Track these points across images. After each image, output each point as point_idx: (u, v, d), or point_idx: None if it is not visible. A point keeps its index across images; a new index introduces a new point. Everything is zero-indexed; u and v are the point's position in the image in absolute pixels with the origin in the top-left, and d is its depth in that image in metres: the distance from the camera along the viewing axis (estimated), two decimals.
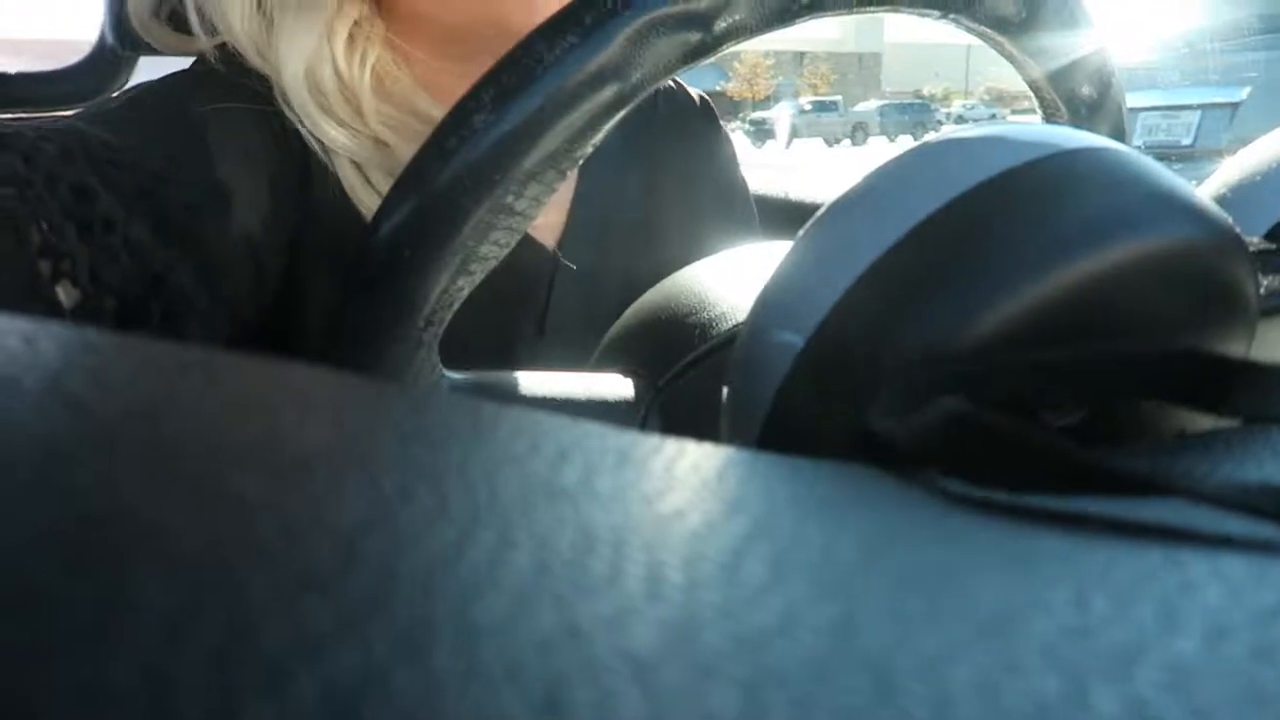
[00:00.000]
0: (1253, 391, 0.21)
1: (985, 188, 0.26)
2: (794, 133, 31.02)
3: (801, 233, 0.29)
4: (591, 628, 0.08)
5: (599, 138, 0.40)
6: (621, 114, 0.40)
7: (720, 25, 0.39)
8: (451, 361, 0.54)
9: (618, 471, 0.13)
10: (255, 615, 0.07)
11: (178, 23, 0.64)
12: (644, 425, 0.45)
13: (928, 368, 0.24)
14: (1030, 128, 0.28)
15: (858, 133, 31.95)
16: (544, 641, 0.08)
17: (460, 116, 0.38)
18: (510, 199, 0.39)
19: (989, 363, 0.23)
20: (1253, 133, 0.40)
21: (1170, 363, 0.23)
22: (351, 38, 0.60)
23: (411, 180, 0.39)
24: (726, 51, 0.41)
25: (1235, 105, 4.38)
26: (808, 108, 33.79)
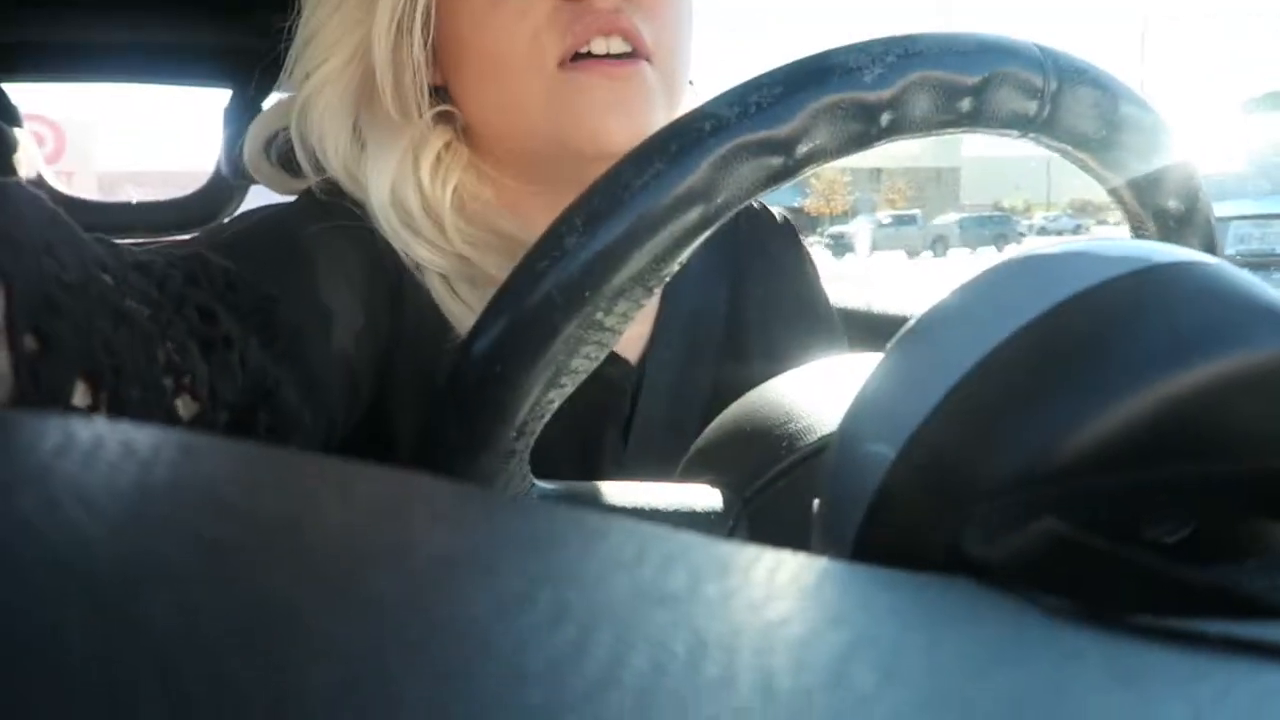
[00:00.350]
0: None
1: (1076, 302, 0.26)
2: (873, 245, 31.19)
3: (892, 344, 0.29)
4: None
5: (685, 256, 0.42)
6: (706, 234, 0.41)
7: (801, 150, 0.41)
8: (537, 470, 0.55)
9: (722, 579, 0.14)
10: (402, 702, 0.08)
11: (284, 162, 0.69)
12: (732, 536, 0.45)
13: (1022, 488, 0.24)
14: (1120, 242, 0.28)
15: (938, 244, 31.92)
16: None
17: (552, 239, 0.40)
18: (600, 315, 0.40)
19: (1084, 484, 0.23)
20: None
21: (1270, 479, 0.22)
22: (437, 160, 0.64)
23: (505, 299, 0.41)
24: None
25: None
26: (886, 221, 34.02)
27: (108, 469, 0.12)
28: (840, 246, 30.39)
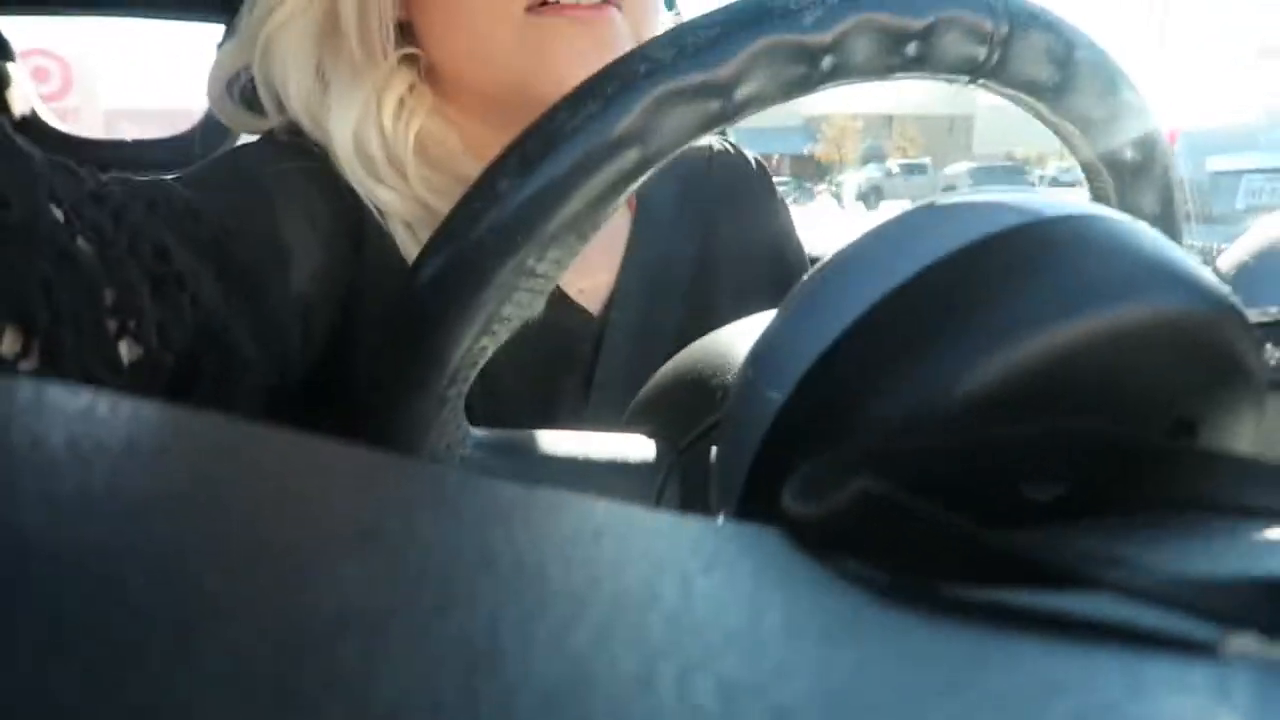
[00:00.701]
0: (1220, 483, 0.20)
1: (966, 253, 0.26)
2: (880, 195, 30.84)
3: (792, 291, 0.29)
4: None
5: (620, 202, 0.41)
6: (642, 179, 0.41)
7: (739, 93, 0.40)
8: (497, 419, 0.56)
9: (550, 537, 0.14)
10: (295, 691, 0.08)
11: (249, 101, 0.69)
12: (663, 488, 0.45)
13: (893, 436, 0.24)
14: (1017, 195, 0.28)
15: (947, 195, 31.49)
16: None
17: (487, 182, 0.40)
18: (532, 261, 0.40)
19: (953, 435, 0.23)
20: None
21: (1144, 443, 0.22)
22: (400, 104, 0.63)
23: (439, 243, 0.40)
24: (745, 118, 0.42)
25: None
26: (895, 170, 33.60)
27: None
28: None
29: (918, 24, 0.41)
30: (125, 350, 0.43)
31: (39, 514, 0.10)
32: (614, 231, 0.72)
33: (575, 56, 0.59)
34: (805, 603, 0.14)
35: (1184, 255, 0.27)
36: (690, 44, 0.39)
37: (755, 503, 0.27)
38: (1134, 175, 0.50)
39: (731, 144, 0.84)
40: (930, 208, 0.28)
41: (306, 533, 0.11)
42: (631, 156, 0.40)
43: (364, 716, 0.08)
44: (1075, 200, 0.28)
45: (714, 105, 0.40)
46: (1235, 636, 0.14)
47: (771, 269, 0.79)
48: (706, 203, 0.77)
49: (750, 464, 0.27)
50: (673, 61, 0.39)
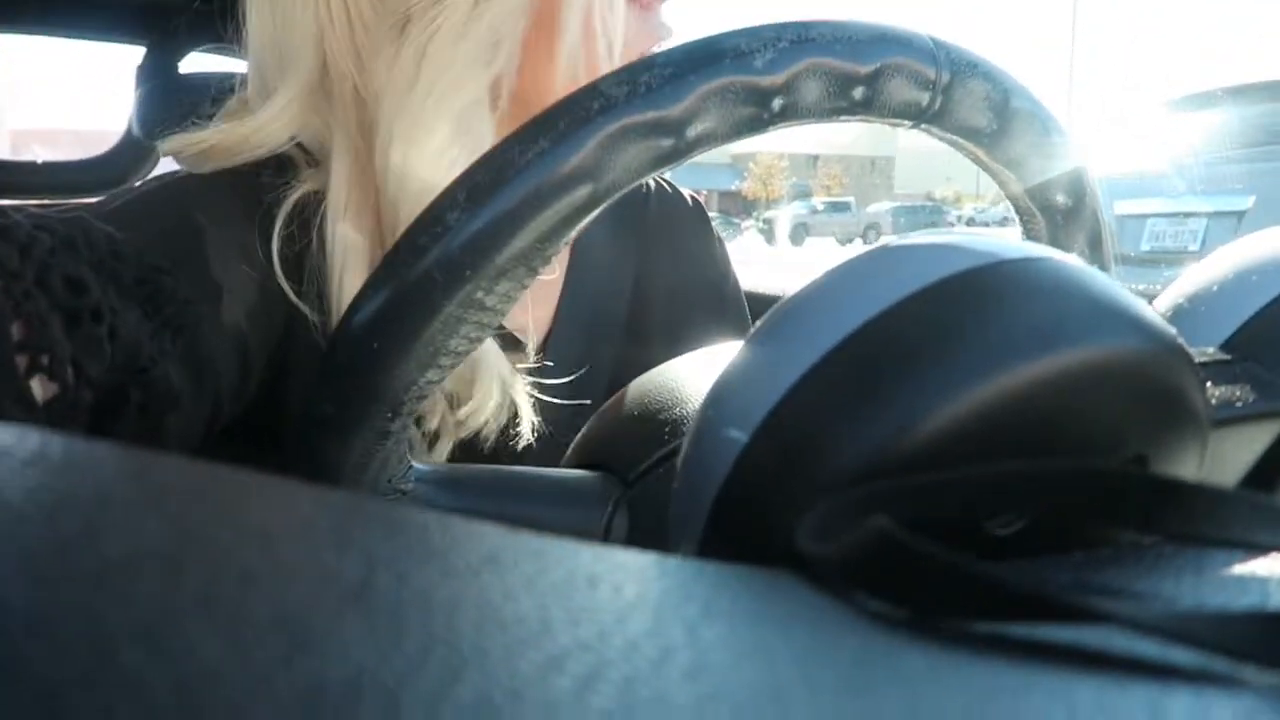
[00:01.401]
0: (1177, 510, 0.21)
1: (923, 295, 0.26)
2: (806, 231, 31.51)
3: (752, 331, 0.29)
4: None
5: (570, 236, 0.41)
6: (592, 215, 0.41)
7: (691, 132, 0.40)
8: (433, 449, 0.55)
9: (540, 579, 0.13)
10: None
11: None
12: (611, 522, 0.45)
13: (864, 479, 0.24)
14: (972, 237, 0.29)
15: (870, 232, 32.43)
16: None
17: (435, 213, 0.39)
18: (481, 295, 0.39)
19: (924, 478, 0.23)
20: None
21: (1101, 478, 0.23)
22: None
23: (384, 274, 0.39)
24: (697, 157, 0.42)
25: (1241, 213, 4.44)
26: (820, 208, 34.40)
27: None
28: (774, 232, 30.69)
29: (864, 69, 0.42)
30: (39, 387, 0.41)
31: (8, 571, 0.09)
32: (550, 266, 0.71)
33: None
34: (823, 648, 0.14)
35: (1132, 297, 0.28)
36: (644, 81, 0.40)
37: (717, 543, 0.27)
38: (1065, 218, 0.51)
39: (668, 182, 0.85)
40: (886, 249, 0.29)
41: (300, 591, 0.10)
42: (583, 192, 0.40)
43: None
44: (1026, 243, 0.29)
45: (666, 143, 0.40)
46: (1253, 670, 0.14)
47: (707, 305, 0.79)
48: (643, 238, 0.77)
49: (712, 503, 0.27)
50: (626, 99, 0.39)
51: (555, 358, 0.68)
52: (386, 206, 0.61)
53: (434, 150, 0.59)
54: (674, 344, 0.69)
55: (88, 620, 0.09)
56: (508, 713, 0.09)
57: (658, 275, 0.76)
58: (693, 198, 0.84)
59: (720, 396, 0.29)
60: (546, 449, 0.65)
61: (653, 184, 0.83)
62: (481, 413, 0.62)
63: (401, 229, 0.59)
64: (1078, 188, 0.51)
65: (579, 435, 0.51)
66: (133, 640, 0.09)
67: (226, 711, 0.08)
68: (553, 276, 0.72)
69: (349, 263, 0.60)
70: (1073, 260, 0.28)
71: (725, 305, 0.81)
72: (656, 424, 0.46)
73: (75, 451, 0.13)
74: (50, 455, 0.13)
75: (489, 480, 0.47)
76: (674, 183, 0.85)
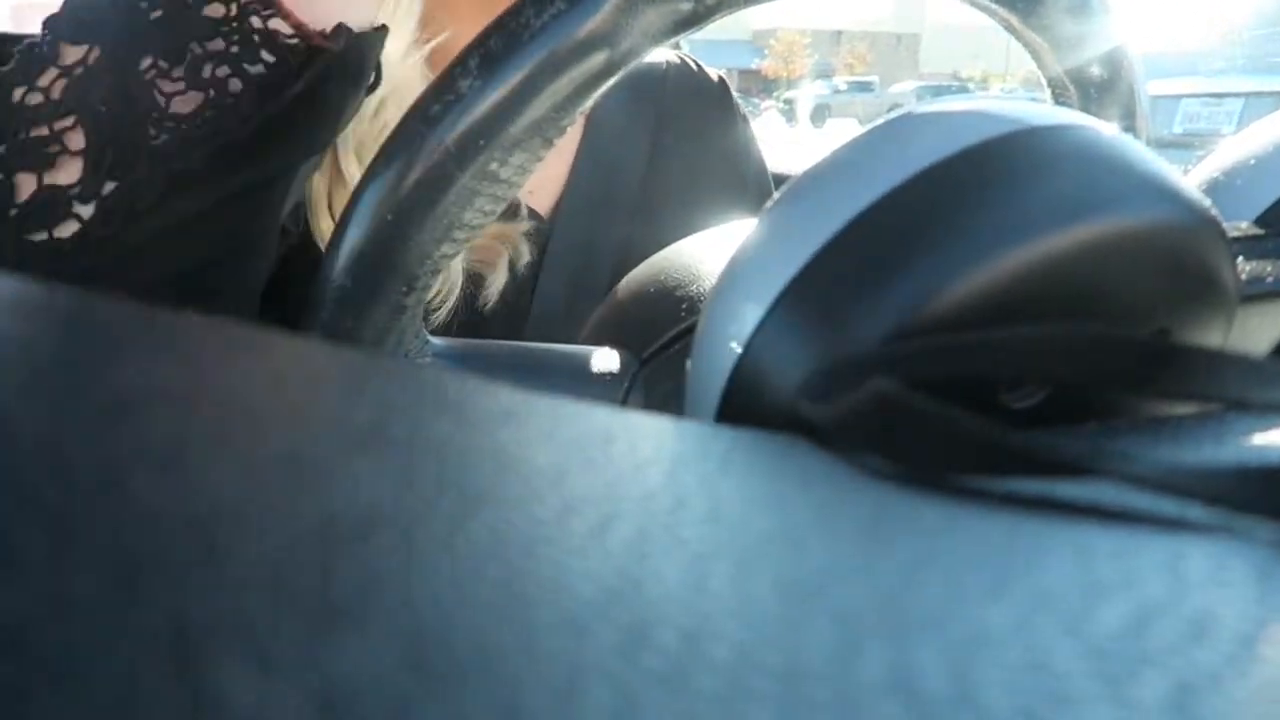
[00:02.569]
0: (1205, 377, 0.21)
1: (949, 163, 0.25)
2: (827, 112, 30.70)
3: (769, 204, 0.29)
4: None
5: (587, 105, 0.40)
6: (610, 82, 0.39)
7: None
8: (435, 321, 0.55)
9: (575, 441, 0.13)
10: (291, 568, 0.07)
11: None
12: (627, 398, 0.45)
13: (875, 347, 0.23)
14: (1001, 103, 0.27)
15: (893, 113, 31.53)
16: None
17: (446, 82, 0.38)
18: (495, 166, 0.39)
19: (930, 340, 0.23)
20: None
21: (1127, 347, 0.22)
22: None
23: (396, 146, 0.39)
24: (717, 21, 0.41)
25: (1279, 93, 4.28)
26: (843, 88, 33.43)
27: None
28: (794, 112, 29.90)
29: None
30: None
31: (17, 408, 0.09)
32: (565, 136, 0.70)
33: None
34: (836, 501, 0.14)
35: (1167, 167, 0.27)
36: None
37: (731, 417, 0.27)
38: (1100, 91, 0.49)
39: (694, 60, 0.82)
40: (914, 117, 0.28)
41: (313, 433, 0.10)
42: (599, 58, 0.38)
43: (407, 619, 0.08)
44: (1061, 109, 0.28)
45: (685, 6, 0.39)
46: (1270, 525, 0.14)
47: (724, 185, 0.78)
48: (660, 114, 0.75)
49: (727, 379, 0.27)
50: None
51: (565, 227, 0.67)
52: None
53: None
54: (689, 222, 0.68)
55: (97, 450, 0.09)
56: (523, 550, 0.09)
57: (675, 155, 0.74)
58: (719, 78, 0.81)
59: (736, 271, 0.28)
60: (549, 318, 0.65)
61: (674, 60, 0.80)
62: (491, 290, 0.62)
63: None
64: (1114, 60, 0.49)
65: (597, 311, 0.51)
66: (142, 470, 0.09)
67: (236, 539, 0.08)
68: (569, 145, 0.71)
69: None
70: (1105, 128, 0.27)
71: (747, 184, 0.80)
72: (673, 301, 0.46)
73: (86, 302, 0.13)
74: (60, 304, 0.13)
75: (505, 355, 0.47)
76: (699, 61, 0.82)
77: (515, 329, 0.65)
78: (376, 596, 0.08)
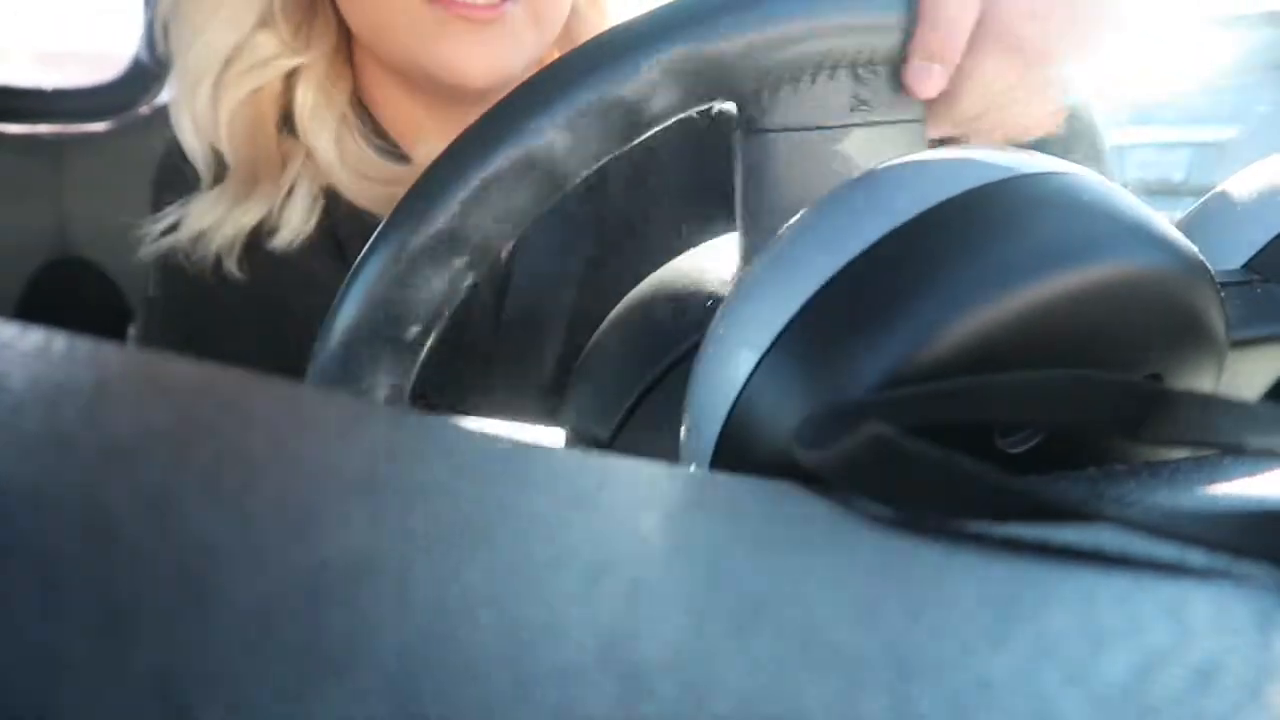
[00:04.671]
0: (1199, 421, 0.21)
1: (941, 210, 0.26)
2: None
3: (763, 250, 0.29)
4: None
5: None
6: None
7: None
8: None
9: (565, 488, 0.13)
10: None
11: None
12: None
13: (869, 393, 0.23)
14: (990, 151, 0.28)
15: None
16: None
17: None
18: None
19: (924, 387, 0.23)
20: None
21: (1120, 391, 0.22)
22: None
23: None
24: None
25: (1223, 144, 4.35)
26: None
27: None
28: None
29: None
30: None
31: (9, 453, 0.09)
32: None
33: (468, 51, 0.59)
34: (834, 546, 0.14)
35: (1153, 214, 0.27)
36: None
37: (727, 460, 0.27)
38: (1060, 149, 0.50)
39: None
40: (904, 163, 0.28)
41: (305, 479, 0.10)
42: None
43: (398, 667, 0.08)
44: (1045, 157, 0.28)
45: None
46: (1270, 570, 0.14)
47: (696, 205, 0.78)
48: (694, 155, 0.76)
49: (723, 422, 0.27)
50: None
51: (522, 262, 0.68)
52: None
53: None
54: (661, 251, 0.69)
55: (89, 498, 0.09)
56: (518, 597, 0.09)
57: (641, 184, 0.75)
58: (710, 118, 0.82)
59: (730, 316, 0.28)
60: (517, 351, 0.65)
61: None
62: None
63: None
64: (1075, 116, 0.50)
65: (590, 342, 0.51)
66: (133, 518, 0.09)
67: (229, 585, 0.08)
68: None
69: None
70: (1093, 176, 0.28)
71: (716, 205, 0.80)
72: (686, 311, 0.45)
73: (78, 347, 0.13)
74: (53, 350, 0.13)
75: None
76: None
77: (481, 366, 0.66)
78: (367, 645, 0.08)
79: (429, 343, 0.40)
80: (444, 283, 0.38)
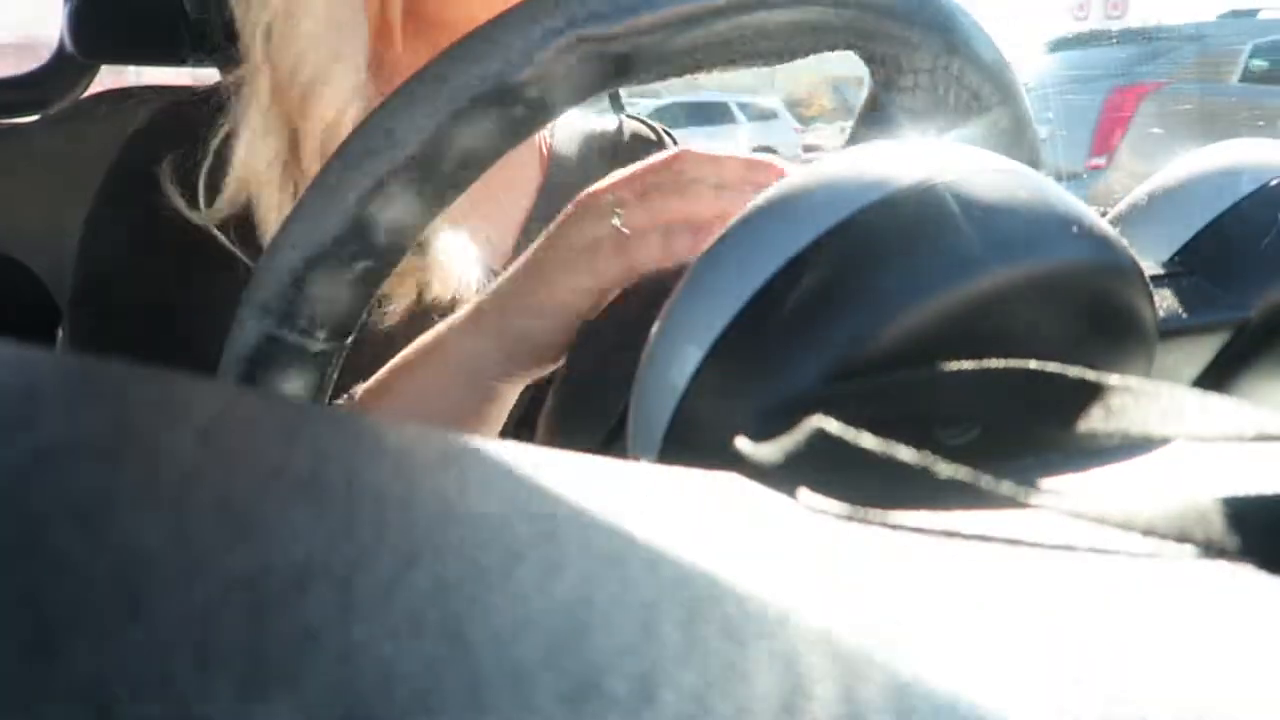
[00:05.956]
0: (1128, 411, 0.21)
1: (881, 205, 0.26)
2: None
3: (705, 248, 0.29)
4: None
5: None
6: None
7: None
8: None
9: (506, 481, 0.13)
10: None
11: None
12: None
13: (811, 387, 0.24)
14: (924, 147, 0.28)
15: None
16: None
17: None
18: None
19: (861, 383, 0.23)
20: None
21: (1054, 382, 0.23)
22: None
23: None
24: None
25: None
26: None
27: None
28: None
29: None
30: None
31: None
32: (524, 184, 0.72)
33: None
34: (778, 538, 0.14)
35: (1083, 208, 0.28)
36: None
37: (674, 453, 0.27)
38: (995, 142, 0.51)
39: (648, 122, 0.84)
40: (843, 159, 0.28)
41: (243, 483, 0.10)
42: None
43: (345, 675, 0.07)
44: (980, 152, 0.28)
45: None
46: (1195, 553, 0.14)
47: None
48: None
49: (668, 419, 0.27)
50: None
51: None
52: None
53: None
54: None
55: (14, 504, 0.08)
56: (465, 598, 0.09)
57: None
58: (670, 138, 0.83)
59: (674, 314, 0.29)
60: None
61: (637, 124, 0.82)
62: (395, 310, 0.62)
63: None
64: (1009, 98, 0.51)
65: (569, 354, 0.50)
66: (63, 524, 0.08)
67: (165, 592, 0.08)
68: (528, 193, 0.72)
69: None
70: (1023, 169, 0.28)
71: None
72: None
73: (4, 351, 0.12)
74: None
75: None
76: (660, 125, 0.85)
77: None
78: (312, 652, 0.08)
79: (342, 354, 0.39)
80: (347, 287, 0.37)
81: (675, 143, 0.84)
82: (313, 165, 0.59)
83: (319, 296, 0.35)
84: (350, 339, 0.38)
